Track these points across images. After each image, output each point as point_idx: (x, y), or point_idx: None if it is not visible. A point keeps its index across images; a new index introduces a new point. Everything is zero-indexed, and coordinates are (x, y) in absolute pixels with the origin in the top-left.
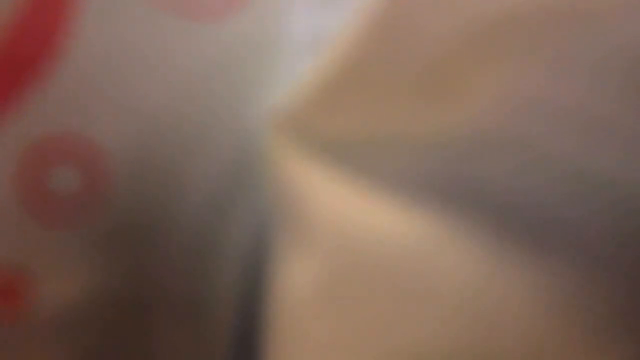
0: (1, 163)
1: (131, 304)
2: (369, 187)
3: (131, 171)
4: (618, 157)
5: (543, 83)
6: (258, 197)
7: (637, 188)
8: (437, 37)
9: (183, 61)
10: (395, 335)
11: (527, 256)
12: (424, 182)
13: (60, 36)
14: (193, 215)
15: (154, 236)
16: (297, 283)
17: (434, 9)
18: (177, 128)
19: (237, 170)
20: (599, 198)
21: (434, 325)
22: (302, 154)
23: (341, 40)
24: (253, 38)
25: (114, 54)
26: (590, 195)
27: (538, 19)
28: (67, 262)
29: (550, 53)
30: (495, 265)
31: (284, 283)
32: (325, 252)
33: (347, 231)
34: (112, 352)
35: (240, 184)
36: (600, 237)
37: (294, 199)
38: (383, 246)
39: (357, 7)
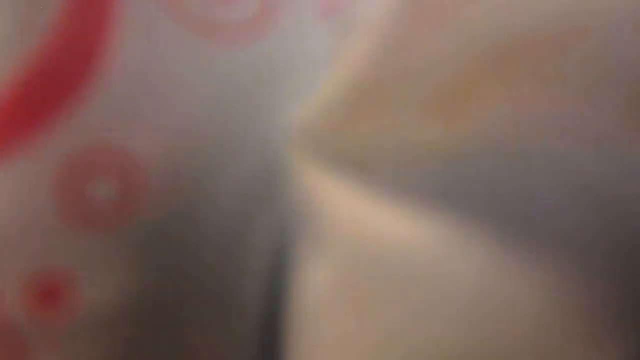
0: (42, 173)
1: (166, 303)
2: (383, 197)
3: (164, 181)
4: (617, 169)
5: (544, 100)
6: (280, 206)
7: (634, 198)
8: (447, 56)
9: (212, 81)
10: (407, 336)
11: (531, 260)
12: (435, 191)
13: (99, 55)
14: (221, 222)
15: (185, 241)
16: (315, 286)
17: (444, 30)
18: (206, 142)
19: (260, 180)
20: (599, 207)
21: (446, 326)
22: (321, 166)
23: (356, 59)
24: (276, 59)
25: (148, 73)
26: (591, 204)
27: (540, 39)
28: (105, 265)
29: (551, 72)
30: (501, 269)
31: (303, 286)
32: (341, 257)
33: (362, 238)
34: (151, 349)
35: (264, 194)
36: (600, 241)
37: (313, 208)
38: (396, 251)
39: (370, 27)
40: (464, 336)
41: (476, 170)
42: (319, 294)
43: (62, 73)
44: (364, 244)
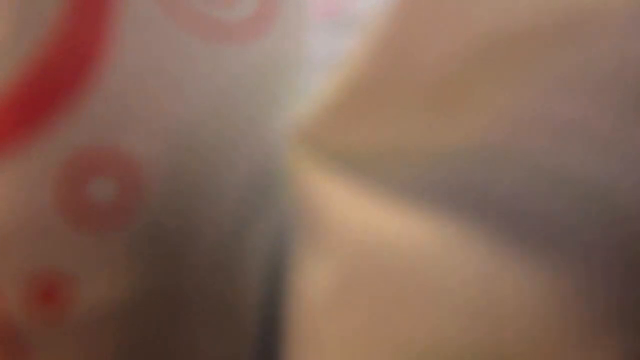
0: (42, 173)
1: (165, 302)
2: (383, 196)
3: (163, 181)
4: (613, 169)
5: (545, 99)
6: (279, 206)
7: (630, 197)
8: (445, 54)
9: (210, 81)
10: (406, 335)
11: (529, 259)
12: (435, 191)
13: (98, 55)
14: (220, 221)
15: (184, 241)
16: (314, 286)
17: (442, 29)
18: (205, 142)
19: (260, 180)
20: (596, 206)
21: (445, 325)
22: (320, 165)
23: (354, 58)
24: (275, 59)
25: (147, 73)
26: (587, 203)
27: (540, 37)
28: (105, 265)
29: (552, 70)
30: (500, 268)
31: (302, 286)
32: (340, 257)
33: (361, 237)
34: (150, 348)
35: (263, 194)
36: (597, 240)
37: (313, 207)
38: (395, 251)
39: (368, 27)
40: (465, 335)
41: (476, 169)
42: (319, 294)
43: (62, 73)
44: (364, 244)
